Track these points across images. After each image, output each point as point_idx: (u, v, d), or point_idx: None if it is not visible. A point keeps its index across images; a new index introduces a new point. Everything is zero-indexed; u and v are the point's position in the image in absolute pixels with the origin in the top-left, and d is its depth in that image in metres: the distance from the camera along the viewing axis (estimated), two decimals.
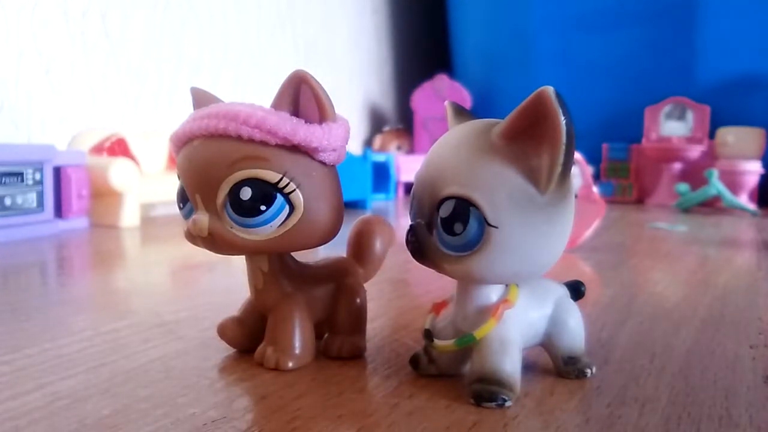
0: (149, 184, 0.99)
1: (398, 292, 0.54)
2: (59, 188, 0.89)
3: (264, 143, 0.29)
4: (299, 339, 0.33)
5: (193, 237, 0.31)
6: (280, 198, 0.29)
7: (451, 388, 0.31)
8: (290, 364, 0.33)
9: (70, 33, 1.03)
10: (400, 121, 2.04)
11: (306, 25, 1.64)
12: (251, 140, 0.29)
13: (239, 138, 0.29)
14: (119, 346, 0.37)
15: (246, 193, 0.29)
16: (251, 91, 1.43)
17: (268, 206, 0.29)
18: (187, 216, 0.31)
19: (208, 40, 1.32)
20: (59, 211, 0.90)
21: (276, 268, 0.33)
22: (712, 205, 1.47)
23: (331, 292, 0.36)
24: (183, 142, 0.31)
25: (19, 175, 0.82)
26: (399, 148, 1.88)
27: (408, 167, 1.63)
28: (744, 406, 0.29)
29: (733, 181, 1.45)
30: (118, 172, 0.92)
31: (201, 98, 0.33)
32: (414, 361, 0.33)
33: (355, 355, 0.35)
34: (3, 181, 0.80)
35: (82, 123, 1.05)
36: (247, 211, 0.29)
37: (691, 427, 0.27)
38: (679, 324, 0.44)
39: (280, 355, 0.33)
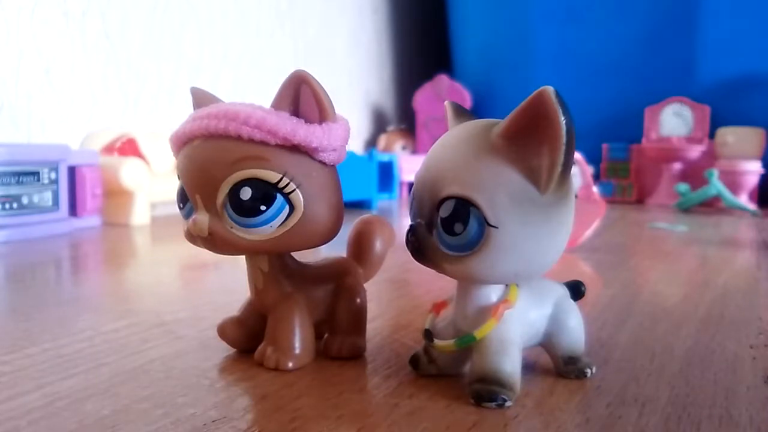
0: (159, 184, 1.00)
1: (398, 292, 0.54)
2: (74, 187, 0.90)
3: (264, 143, 0.29)
4: (299, 339, 0.33)
5: (193, 237, 0.31)
6: (280, 198, 0.29)
7: (451, 388, 0.31)
8: (290, 364, 0.33)
9: (70, 33, 1.03)
10: (401, 121, 2.04)
11: (306, 25, 1.64)
12: (251, 140, 0.29)
13: (239, 138, 0.29)
14: (119, 346, 0.37)
15: (246, 193, 0.29)
16: (251, 91, 1.43)
17: (268, 206, 0.29)
18: (187, 216, 0.31)
19: (208, 40, 1.32)
20: (74, 210, 0.91)
21: (276, 268, 0.33)
22: (712, 205, 1.47)
23: (331, 292, 0.36)
24: (183, 142, 0.31)
25: (36, 174, 0.83)
26: (404, 148, 1.87)
27: (411, 167, 1.63)
28: (744, 406, 0.29)
29: (733, 181, 1.45)
30: (129, 172, 0.94)
31: (201, 98, 0.33)
32: (414, 361, 0.33)
33: (355, 355, 0.35)
34: (20, 180, 0.81)
35: (82, 123, 1.05)
36: (247, 211, 0.29)
37: (691, 427, 0.27)
38: (679, 324, 0.44)
39: (280, 355, 0.33)
